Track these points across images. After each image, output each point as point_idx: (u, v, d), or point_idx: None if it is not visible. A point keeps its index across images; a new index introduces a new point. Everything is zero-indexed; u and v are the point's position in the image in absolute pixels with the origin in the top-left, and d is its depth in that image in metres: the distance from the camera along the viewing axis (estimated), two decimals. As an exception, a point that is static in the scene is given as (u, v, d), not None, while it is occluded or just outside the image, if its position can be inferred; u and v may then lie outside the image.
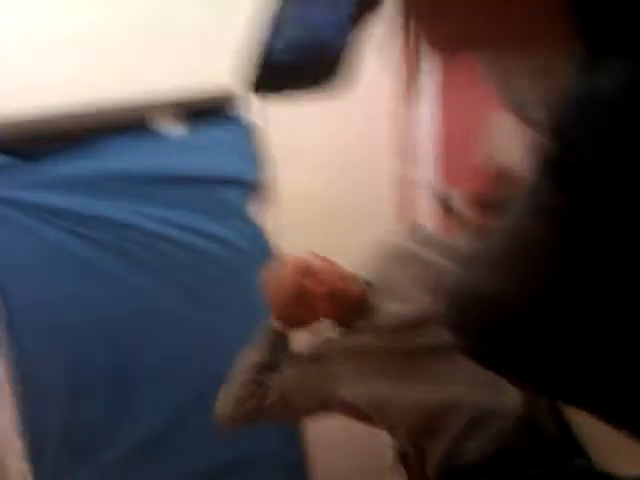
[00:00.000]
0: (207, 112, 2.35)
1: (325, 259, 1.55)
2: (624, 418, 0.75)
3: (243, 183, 2.33)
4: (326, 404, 1.47)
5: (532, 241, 0.64)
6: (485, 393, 1.33)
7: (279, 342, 1.52)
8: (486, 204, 1.27)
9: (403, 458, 1.91)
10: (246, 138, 2.29)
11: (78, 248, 2.32)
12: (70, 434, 2.50)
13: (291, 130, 2.32)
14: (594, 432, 1.22)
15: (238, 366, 1.50)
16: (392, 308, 1.48)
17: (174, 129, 2.38)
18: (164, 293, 2.41)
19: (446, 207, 1.57)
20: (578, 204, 0.60)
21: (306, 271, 1.48)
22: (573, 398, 0.76)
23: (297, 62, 0.59)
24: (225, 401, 1.47)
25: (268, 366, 1.49)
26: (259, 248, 2.35)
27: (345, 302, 1.48)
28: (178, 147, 2.30)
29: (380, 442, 2.04)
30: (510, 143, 1.16)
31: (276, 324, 1.51)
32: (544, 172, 0.64)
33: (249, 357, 1.50)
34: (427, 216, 2.31)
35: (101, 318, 2.40)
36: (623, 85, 0.54)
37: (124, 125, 2.33)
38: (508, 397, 1.31)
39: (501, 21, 0.33)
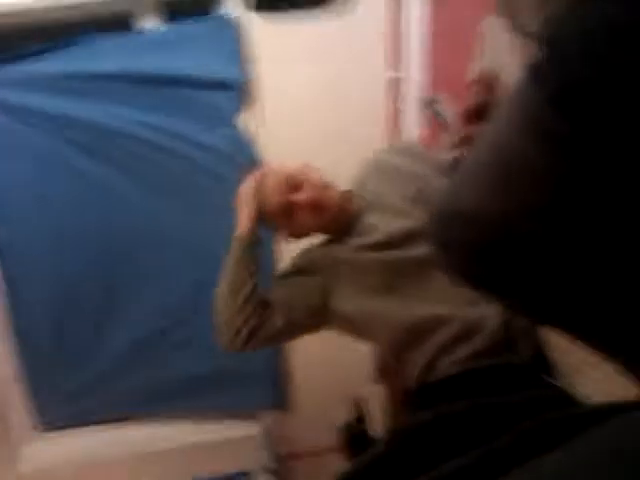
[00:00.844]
0: (191, 10, 2.26)
1: (310, 168, 1.52)
2: (602, 337, 0.76)
3: (229, 86, 2.25)
4: (322, 318, 1.47)
5: (519, 157, 0.63)
6: (468, 311, 1.35)
7: (255, 255, 1.47)
8: (474, 112, 1.23)
9: (383, 371, 1.97)
10: (232, 39, 2.20)
11: (58, 149, 2.28)
12: (61, 342, 2.57)
13: (279, 32, 2.25)
14: (567, 356, 1.25)
15: (227, 294, 1.44)
16: (378, 222, 1.47)
17: (157, 27, 2.28)
18: (147, 199, 2.39)
19: (433, 112, 1.53)
20: (568, 123, 0.59)
21: (291, 183, 1.45)
22: (552, 316, 0.77)
23: None
24: (232, 338, 1.42)
25: (255, 288, 1.44)
26: (246, 155, 2.31)
27: (329, 213, 1.46)
28: (160, 46, 2.21)
29: (360, 355, 2.10)
30: (502, 50, 1.11)
31: (247, 235, 1.46)
32: (534, 86, 0.62)
33: (237, 283, 1.44)
34: (415, 122, 2.27)
35: (83, 223, 2.40)
36: (626, 7, 0.52)
37: (104, 22, 2.25)
38: (489, 316, 1.33)
39: None
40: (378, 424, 1.96)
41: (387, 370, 1.94)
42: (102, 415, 2.79)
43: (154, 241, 2.44)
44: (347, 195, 1.55)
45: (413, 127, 2.28)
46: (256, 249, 1.47)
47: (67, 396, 2.68)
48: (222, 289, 1.45)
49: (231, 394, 2.70)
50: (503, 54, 1.11)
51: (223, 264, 1.47)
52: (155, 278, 2.50)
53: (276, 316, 1.43)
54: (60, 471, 2.75)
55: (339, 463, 2.31)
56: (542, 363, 1.33)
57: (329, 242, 1.54)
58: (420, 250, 1.41)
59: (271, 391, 2.70)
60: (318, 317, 1.48)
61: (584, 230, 0.63)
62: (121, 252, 2.46)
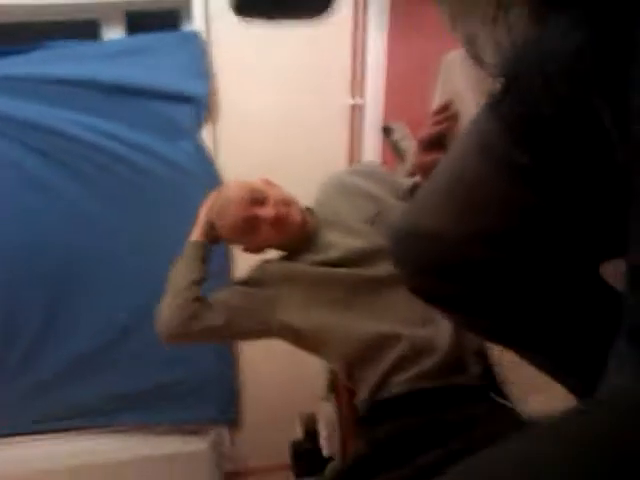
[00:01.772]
0: (156, 22, 2.28)
1: (272, 184, 1.56)
2: (549, 361, 0.80)
3: (189, 100, 2.26)
4: (268, 327, 1.49)
5: (478, 185, 0.67)
6: (419, 331, 1.39)
7: (206, 256, 1.55)
8: (431, 141, 1.27)
9: (334, 388, 2.00)
10: (195, 54, 2.22)
11: (11, 153, 2.25)
12: (1, 351, 2.51)
13: (243, 50, 2.28)
14: (517, 377, 1.30)
15: (173, 285, 1.50)
16: (336, 240, 1.51)
17: (121, 37, 2.29)
18: (100, 208, 2.37)
19: (390, 140, 1.57)
20: (527, 155, 0.62)
21: (255, 198, 1.47)
22: (502, 336, 0.80)
23: None
24: (169, 318, 1.46)
25: (201, 282, 1.51)
26: (205, 170, 2.32)
27: (290, 229, 1.49)
28: (124, 56, 2.21)
29: (311, 372, 2.12)
30: (461, 81, 1.16)
31: (201, 239, 1.54)
32: (495, 118, 0.65)
33: (183, 276, 1.51)
34: (374, 149, 2.33)
35: (31, 229, 2.36)
36: (579, 44, 0.55)
37: (69, 27, 2.25)
38: (440, 336, 1.38)
39: None
40: (327, 441, 1.97)
41: (338, 387, 1.97)
42: (42, 426, 2.71)
43: (105, 252, 2.42)
44: (307, 212, 1.58)
45: (372, 153, 2.35)
46: (205, 253, 1.55)
47: (8, 406, 2.62)
48: (168, 282, 1.52)
49: (178, 408, 2.67)
50: (462, 85, 1.16)
51: (175, 261, 1.55)
52: (102, 292, 2.47)
53: (214, 313, 1.46)
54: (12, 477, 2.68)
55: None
56: (491, 383, 1.37)
57: (286, 257, 1.57)
58: (375, 270, 1.45)
59: (219, 406, 2.69)
60: (265, 328, 1.50)
61: (535, 257, 0.67)
62: (70, 262, 2.42)
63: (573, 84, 0.55)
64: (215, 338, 1.57)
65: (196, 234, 1.55)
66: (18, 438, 2.75)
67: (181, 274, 1.51)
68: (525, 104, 0.61)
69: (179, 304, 1.46)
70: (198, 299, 1.47)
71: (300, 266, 1.49)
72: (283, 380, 2.62)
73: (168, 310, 1.47)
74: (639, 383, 0.50)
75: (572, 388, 0.85)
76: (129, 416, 2.70)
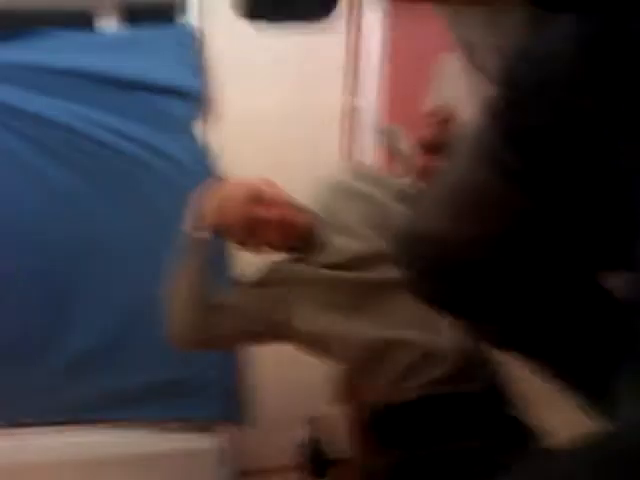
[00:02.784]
0: (153, 15, 2.27)
1: (274, 186, 1.53)
2: (556, 367, 0.80)
3: (187, 95, 2.26)
4: (277, 329, 1.49)
5: (478, 189, 0.68)
6: (427, 336, 1.38)
7: (207, 252, 1.51)
8: (428, 145, 1.27)
9: (343, 392, 2.00)
10: (192, 48, 2.21)
11: (6, 142, 2.25)
12: (12, 344, 2.54)
13: (237, 42, 2.25)
14: (525, 387, 1.29)
15: (181, 287, 1.48)
16: (338, 243, 1.50)
17: (117, 29, 2.28)
18: (97, 200, 2.38)
19: (387, 142, 1.56)
20: (521, 160, 0.62)
21: (258, 198, 1.45)
22: (507, 341, 0.80)
23: None
24: (180, 330, 1.46)
25: (209, 283, 1.48)
26: (201, 165, 2.31)
27: (293, 232, 1.48)
28: (120, 48, 2.22)
29: (321, 374, 2.12)
30: (458, 85, 1.15)
31: (201, 235, 1.49)
32: (490, 123, 0.65)
33: (191, 278, 1.48)
34: (371, 150, 2.29)
35: (30, 221, 2.37)
36: (576, 49, 0.55)
37: (65, 16, 2.24)
38: (447, 343, 1.37)
39: None
40: (335, 444, 1.97)
41: (346, 391, 1.97)
42: (53, 418, 2.75)
43: (106, 249, 2.44)
44: (310, 215, 1.56)
45: (368, 155, 2.31)
46: (208, 249, 1.51)
47: (17, 397, 2.65)
48: (174, 288, 1.48)
49: (188, 405, 2.69)
50: (459, 89, 1.14)
51: (177, 263, 1.50)
52: (103, 287, 2.49)
53: (228, 320, 1.46)
54: (7, 471, 2.71)
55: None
56: (499, 393, 1.37)
57: (293, 259, 1.55)
58: (378, 273, 1.44)
59: (228, 404, 2.70)
60: (275, 331, 1.49)
61: (534, 260, 0.68)
62: (74, 258, 2.44)
63: (571, 88, 0.56)
64: (227, 346, 1.57)
65: (198, 227, 1.49)
66: (26, 429, 2.77)
67: (189, 278, 1.48)
68: (522, 110, 0.62)
69: (192, 315, 1.44)
70: (210, 307, 1.45)
71: (309, 269, 1.48)
72: (292, 380, 2.61)
73: (180, 321, 1.46)
74: None
75: (579, 396, 0.85)
76: (137, 411, 2.71)
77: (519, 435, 1.28)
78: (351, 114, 2.31)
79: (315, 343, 1.48)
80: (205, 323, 1.45)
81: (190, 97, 2.25)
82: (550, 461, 0.47)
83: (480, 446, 1.26)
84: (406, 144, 1.48)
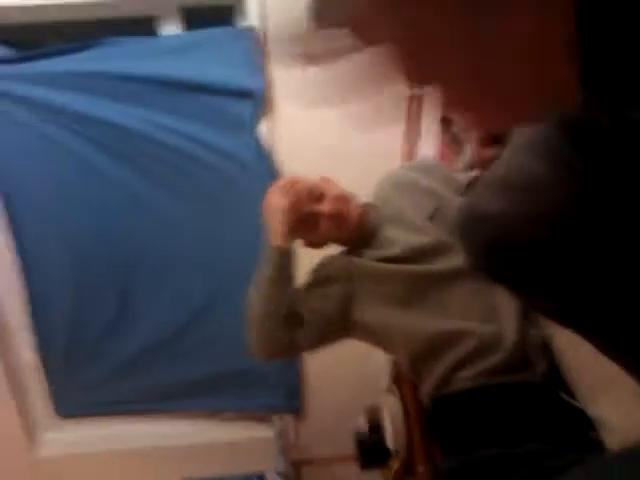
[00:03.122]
0: (212, 18, 2.31)
1: (329, 181, 1.58)
2: (618, 344, 0.81)
3: (248, 95, 2.29)
4: (346, 327, 1.53)
5: (535, 176, 0.70)
6: (485, 327, 1.40)
7: (289, 263, 1.52)
8: (491, 137, 1.26)
9: (399, 382, 2.02)
10: (251, 49, 2.24)
11: (78, 147, 2.34)
12: (76, 339, 2.67)
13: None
14: (584, 375, 1.29)
15: (262, 299, 1.49)
16: (397, 236, 1.53)
17: (179, 33, 2.34)
18: (165, 203, 2.45)
19: (450, 133, 1.56)
20: (582, 160, 0.64)
21: (314, 194, 1.50)
22: (565, 317, 0.82)
23: None
24: (260, 339, 1.49)
25: (285, 288, 1.50)
26: (264, 165, 2.36)
27: (350, 225, 1.52)
28: (181, 51, 2.25)
29: (376, 366, 2.14)
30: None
31: (283, 244, 1.50)
32: (555, 121, 0.67)
33: (269, 296, 1.48)
34: (433, 141, 2.29)
35: (102, 223, 2.47)
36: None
37: (126, 23, 2.31)
38: (505, 334, 1.39)
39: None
40: (392, 434, 2.00)
41: (403, 381, 1.99)
42: (118, 408, 2.88)
43: (171, 246, 2.52)
44: (367, 208, 1.61)
45: (431, 146, 2.30)
46: (290, 261, 1.52)
47: (83, 388, 2.80)
48: (255, 303, 1.50)
49: (246, 396, 2.78)
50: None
51: (257, 272, 1.52)
52: (171, 281, 2.57)
53: (306, 329, 1.49)
54: (75, 459, 2.88)
55: (350, 472, 2.37)
56: (558, 381, 1.37)
57: (348, 253, 1.59)
58: (436, 265, 1.47)
59: (285, 395, 2.77)
60: (341, 327, 1.53)
61: (587, 241, 0.70)
62: (138, 256, 2.53)
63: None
64: (304, 352, 1.61)
65: (276, 237, 1.50)
66: (87, 420, 2.95)
67: (268, 298, 1.48)
68: (586, 114, 0.63)
69: (271, 327, 1.47)
70: (286, 325, 1.47)
71: (365, 262, 1.51)
72: (348, 371, 2.66)
73: (261, 334, 1.49)
74: None
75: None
76: (196, 402, 2.83)
77: (578, 426, 1.28)
78: (412, 104, 2.31)
79: (374, 335, 1.52)
80: (284, 334, 1.48)
81: (251, 97, 2.29)
82: (611, 462, 0.47)
83: (538, 446, 1.26)
84: (469, 135, 1.49)
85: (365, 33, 0.33)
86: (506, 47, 0.28)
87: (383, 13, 0.31)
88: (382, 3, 0.30)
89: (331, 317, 1.50)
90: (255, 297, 1.50)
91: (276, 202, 1.51)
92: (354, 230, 1.53)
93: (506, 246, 0.73)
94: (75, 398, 2.85)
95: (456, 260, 1.46)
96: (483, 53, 0.29)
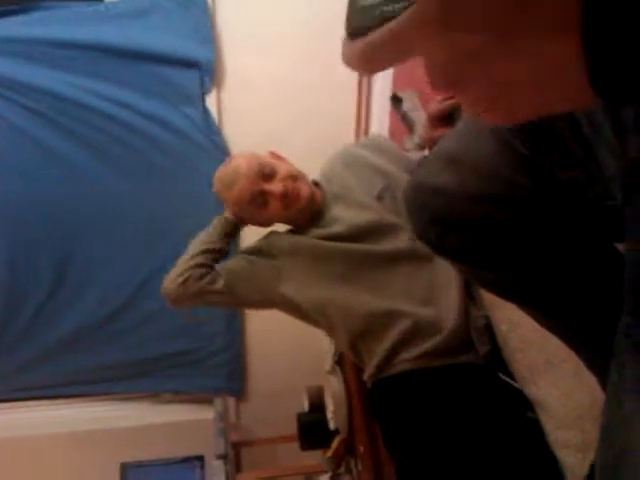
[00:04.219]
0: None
1: (280, 158, 1.57)
2: (558, 315, 0.82)
3: (195, 66, 2.25)
4: (269, 298, 1.54)
5: (483, 156, 0.71)
6: (423, 309, 1.42)
7: (230, 232, 1.58)
8: (442, 116, 1.26)
9: (341, 362, 2.03)
10: (201, 18, 2.20)
11: (12, 115, 2.26)
12: (6, 319, 2.56)
13: (246, 12, 2.27)
14: (523, 356, 1.32)
15: (188, 250, 1.56)
16: (343, 214, 1.53)
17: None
18: (101, 172, 2.39)
19: (399, 110, 1.56)
20: (524, 145, 0.67)
21: (264, 172, 1.48)
22: (507, 289, 0.85)
23: None
24: (173, 280, 1.51)
25: (218, 252, 1.55)
26: (210, 138, 2.33)
27: (297, 204, 1.50)
28: (126, 19, 2.19)
29: (319, 344, 2.15)
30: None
31: (229, 215, 1.56)
32: None
33: (200, 243, 1.56)
34: (384, 117, 2.30)
35: (38, 192, 2.39)
36: None
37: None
38: (445, 316, 1.41)
39: None
40: (334, 415, 2.01)
41: (344, 361, 2.00)
42: (51, 392, 2.81)
43: (110, 220, 2.45)
44: (315, 186, 1.60)
45: (380, 123, 2.32)
46: (232, 229, 1.58)
47: (14, 371, 2.69)
48: (182, 262, 1.55)
49: (185, 377, 2.75)
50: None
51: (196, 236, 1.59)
52: (107, 259, 2.51)
53: (217, 278, 1.51)
54: (9, 443, 2.80)
55: (292, 453, 2.38)
56: (498, 362, 1.40)
57: (293, 231, 1.59)
58: (379, 245, 1.48)
59: (226, 376, 2.76)
60: (265, 297, 1.55)
61: (530, 218, 0.72)
62: (76, 229, 2.46)
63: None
64: (217, 302, 1.61)
65: (228, 210, 1.58)
66: (21, 403, 2.86)
67: (199, 241, 1.56)
68: None
69: (187, 267, 1.51)
70: (207, 265, 1.52)
71: (304, 239, 1.52)
72: (290, 352, 2.68)
73: (176, 271, 1.52)
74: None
75: (585, 358, 0.87)
76: (134, 384, 2.78)
77: (516, 406, 1.31)
78: (362, 81, 2.30)
79: (308, 313, 1.52)
80: (197, 277, 1.50)
81: (200, 68, 2.25)
82: None
83: (474, 417, 1.29)
84: (419, 111, 1.48)
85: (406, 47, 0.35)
86: (536, 67, 0.31)
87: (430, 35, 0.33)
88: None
89: (253, 283, 1.53)
90: (183, 257, 1.55)
91: (225, 177, 1.52)
92: (302, 208, 1.51)
93: (453, 220, 0.75)
94: (6, 381, 2.73)
95: (400, 241, 1.47)
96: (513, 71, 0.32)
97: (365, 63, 0.38)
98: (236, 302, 1.62)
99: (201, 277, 1.50)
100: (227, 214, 1.56)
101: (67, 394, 2.84)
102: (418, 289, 1.44)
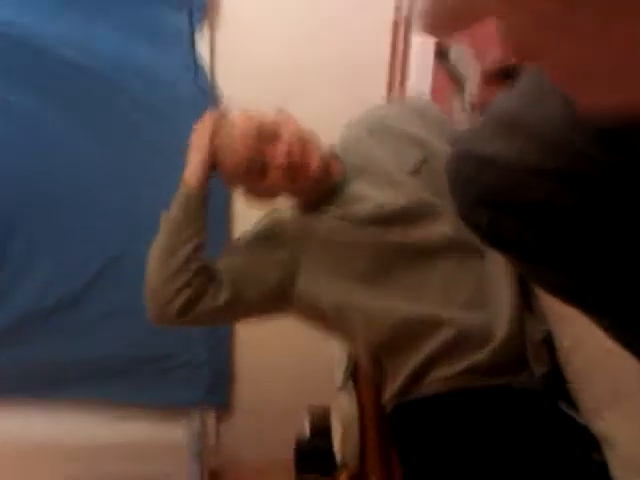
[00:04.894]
0: None
1: (287, 116, 1.49)
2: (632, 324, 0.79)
3: (187, 5, 2.27)
4: (283, 302, 1.49)
5: (548, 123, 0.70)
6: (469, 314, 1.37)
7: (203, 209, 1.48)
8: (498, 73, 1.24)
9: (355, 376, 2.01)
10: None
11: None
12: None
13: None
14: (588, 378, 1.29)
15: (166, 247, 1.44)
16: (368, 191, 1.48)
17: None
18: (70, 131, 2.42)
19: (447, 66, 1.54)
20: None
21: (264, 135, 1.42)
22: (568, 290, 0.83)
23: None
24: (163, 300, 1.42)
25: (203, 245, 1.45)
26: (199, 88, 2.36)
27: (309, 174, 1.44)
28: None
29: (327, 355, 2.14)
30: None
31: (200, 184, 1.45)
32: None
33: (180, 237, 1.44)
34: (426, 72, 2.21)
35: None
36: None
37: None
38: (496, 323, 1.35)
39: None
40: (342, 440, 2.00)
41: (359, 376, 1.99)
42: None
43: (77, 185, 2.48)
44: (332, 154, 1.54)
45: (420, 78, 2.22)
46: (204, 204, 1.47)
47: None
48: (157, 248, 1.45)
49: (155, 386, 2.74)
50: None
51: (162, 218, 1.46)
52: (58, 240, 2.53)
53: (221, 289, 1.43)
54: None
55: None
56: (558, 386, 1.35)
57: (305, 208, 1.53)
58: (414, 235, 1.43)
59: (210, 387, 2.75)
60: (275, 300, 1.49)
61: (609, 206, 0.70)
62: (34, 193, 2.48)
63: None
64: (218, 321, 1.57)
65: (190, 173, 1.45)
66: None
67: (172, 242, 1.43)
68: None
69: (178, 281, 1.40)
70: (201, 271, 1.42)
71: (323, 224, 1.47)
72: (290, 362, 2.67)
73: (163, 287, 1.42)
74: None
75: None
76: (89, 390, 2.75)
77: (578, 444, 1.28)
78: (397, 27, 2.26)
79: (325, 317, 1.49)
80: (197, 294, 1.41)
81: (190, 7, 2.27)
82: None
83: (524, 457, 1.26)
84: (471, 67, 1.46)
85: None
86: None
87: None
88: None
89: (261, 284, 1.47)
90: (159, 246, 1.45)
91: (198, 132, 1.48)
92: (314, 180, 1.46)
93: (510, 199, 0.72)
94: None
95: (440, 229, 1.42)
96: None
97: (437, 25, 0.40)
98: (242, 313, 1.58)
99: (201, 293, 1.42)
100: (196, 181, 1.44)
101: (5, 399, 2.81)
102: (462, 290, 1.40)
